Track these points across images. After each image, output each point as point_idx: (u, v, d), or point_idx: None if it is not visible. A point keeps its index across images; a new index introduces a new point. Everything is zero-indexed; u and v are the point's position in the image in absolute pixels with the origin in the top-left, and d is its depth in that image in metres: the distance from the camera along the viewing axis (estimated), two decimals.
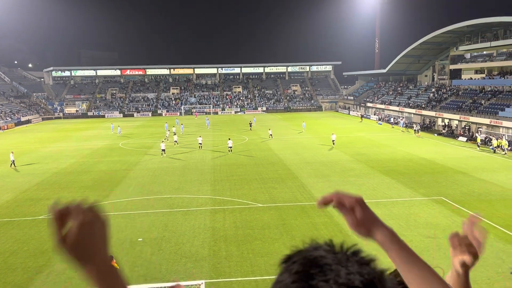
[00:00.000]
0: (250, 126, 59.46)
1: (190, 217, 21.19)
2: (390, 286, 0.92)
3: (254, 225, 19.97)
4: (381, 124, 66.11)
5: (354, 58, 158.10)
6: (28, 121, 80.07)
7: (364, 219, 1.23)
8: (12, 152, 35.66)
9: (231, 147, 39.68)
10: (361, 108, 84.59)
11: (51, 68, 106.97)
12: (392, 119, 66.66)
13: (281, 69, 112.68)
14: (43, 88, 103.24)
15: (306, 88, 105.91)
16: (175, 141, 44.76)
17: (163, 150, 38.52)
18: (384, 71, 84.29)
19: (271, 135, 49.12)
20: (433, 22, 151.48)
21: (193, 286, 11.80)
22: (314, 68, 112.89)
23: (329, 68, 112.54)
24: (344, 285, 0.87)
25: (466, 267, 1.45)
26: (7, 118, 75.18)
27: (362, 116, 75.00)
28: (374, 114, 76.37)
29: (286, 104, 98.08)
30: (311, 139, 48.01)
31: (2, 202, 24.59)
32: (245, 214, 21.60)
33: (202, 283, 10.65)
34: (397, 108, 70.15)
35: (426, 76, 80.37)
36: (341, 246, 0.99)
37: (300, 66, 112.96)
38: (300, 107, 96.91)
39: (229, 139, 41.25)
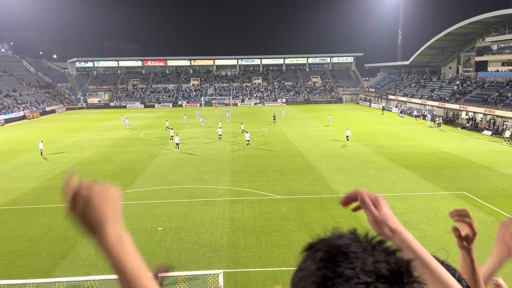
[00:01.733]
0: (274, 119, 57.91)
1: (209, 208, 21.39)
2: (416, 275, 0.90)
3: (272, 216, 20.04)
4: (402, 117, 65.06)
5: (376, 49, 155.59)
6: (53, 111, 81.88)
7: (384, 218, 1.25)
8: (42, 141, 36.71)
9: (248, 140, 38.87)
10: (383, 100, 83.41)
11: (75, 59, 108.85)
12: (415, 112, 65.49)
13: (302, 60, 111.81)
14: (67, 78, 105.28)
15: (327, 80, 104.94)
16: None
17: (177, 144, 37.24)
18: (407, 63, 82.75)
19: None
20: (458, 12, 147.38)
21: (211, 275, 11.95)
22: (335, 60, 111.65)
23: (350, 59, 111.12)
24: (371, 272, 0.86)
25: (467, 242, 1.59)
26: (33, 107, 77.05)
27: (383, 109, 73.97)
28: (396, 107, 75.19)
29: (306, 96, 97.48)
30: (330, 132, 47.68)
31: (28, 190, 25.32)
32: (263, 205, 21.68)
33: (220, 272, 10.77)
34: (419, 101, 68.88)
35: (450, 68, 78.53)
36: (365, 235, 0.98)
37: (321, 58, 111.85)
38: (320, 99, 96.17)
39: (246, 132, 40.82)
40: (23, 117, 70.15)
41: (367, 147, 37.47)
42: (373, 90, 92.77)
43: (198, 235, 17.85)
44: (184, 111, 74.47)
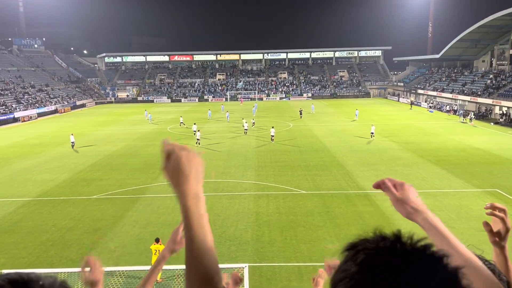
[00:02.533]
0: (301, 114, 56.55)
1: (235, 202, 21.54)
2: (465, 284, 0.85)
3: (297, 211, 20.01)
4: (432, 112, 63.49)
5: (405, 42, 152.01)
6: (83, 105, 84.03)
7: (405, 198, 1.29)
8: (72, 134, 37.77)
9: (273, 135, 38.34)
10: (412, 95, 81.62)
11: (104, 54, 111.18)
12: (447, 106, 63.78)
13: (328, 54, 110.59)
14: (96, 73, 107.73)
15: (354, 74, 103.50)
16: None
17: (198, 139, 37.36)
18: (437, 56, 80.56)
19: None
20: (492, 4, 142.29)
21: (236, 269, 12.05)
22: (362, 53, 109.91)
23: (378, 53, 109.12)
24: (414, 281, 0.81)
25: (499, 238, 1.61)
26: (64, 102, 79.29)
27: (412, 103, 72.40)
28: (425, 102, 73.45)
29: (332, 90, 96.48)
30: (357, 127, 47.07)
31: (59, 182, 26.13)
32: (288, 200, 21.66)
33: (245, 266, 10.84)
34: (450, 95, 67.05)
35: (483, 61, 75.99)
36: (410, 237, 0.91)
37: (348, 51, 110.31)
38: (347, 94, 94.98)
39: (272, 127, 40.26)
40: (55, 111, 72.29)
41: (395, 142, 36.81)
42: (402, 84, 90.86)
43: (223, 228, 18.02)
44: (209, 105, 75.00)
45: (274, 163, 30.20)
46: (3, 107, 63.70)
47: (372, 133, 38.93)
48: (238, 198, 22.09)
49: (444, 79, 77.03)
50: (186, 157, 1.35)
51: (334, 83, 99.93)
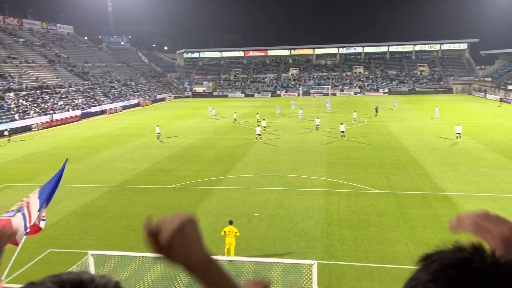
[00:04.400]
0: (376, 111, 53.41)
1: (305, 197, 21.40)
2: None
3: (370, 211, 19.38)
4: None
5: (495, 34, 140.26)
6: (163, 99, 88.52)
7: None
8: (158, 126, 40.55)
9: (343, 132, 37.21)
10: (501, 91, 75.14)
11: (183, 50, 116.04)
12: None
13: (407, 48, 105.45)
14: (175, 68, 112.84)
15: (435, 69, 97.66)
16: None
17: (258, 134, 37.11)
18: None
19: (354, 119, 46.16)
20: None
21: (305, 265, 11.98)
22: (445, 47, 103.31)
23: (463, 46, 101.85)
24: None
25: None
26: (146, 96, 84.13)
27: (501, 100, 66.67)
28: None
29: (411, 86, 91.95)
30: (438, 124, 44.42)
31: (140, 171, 27.80)
32: (360, 199, 21.06)
33: (314, 263, 10.73)
34: None
35: None
36: (493, 252, 0.84)
37: (429, 45, 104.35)
38: (427, 89, 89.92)
39: (341, 123, 38.82)
40: (137, 104, 76.97)
41: (480, 142, 34.16)
42: (490, 79, 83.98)
43: (292, 224, 18.00)
44: (280, 101, 75.12)
45: (346, 160, 29.51)
46: (93, 100, 69.11)
47: (459, 133, 34.92)
48: (308, 194, 21.91)
49: None
50: (178, 230, 1.15)
51: (413, 78, 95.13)
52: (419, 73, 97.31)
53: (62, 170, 7.44)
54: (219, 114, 57.92)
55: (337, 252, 15.31)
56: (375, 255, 14.94)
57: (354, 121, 47.30)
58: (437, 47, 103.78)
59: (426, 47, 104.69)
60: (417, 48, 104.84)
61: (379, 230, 17.12)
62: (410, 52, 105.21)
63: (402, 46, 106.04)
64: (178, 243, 1.12)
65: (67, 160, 7.42)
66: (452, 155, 29.97)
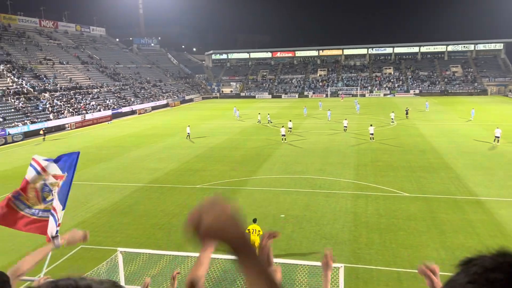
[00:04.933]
0: (407, 113, 51.35)
1: (332, 200, 21.18)
2: None
3: (398, 214, 19.00)
4: None
5: None
6: (191, 100, 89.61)
7: None
8: (189, 126, 41.30)
9: (372, 134, 36.54)
10: None
11: (211, 52, 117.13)
12: None
13: (440, 48, 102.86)
14: (203, 70, 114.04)
15: (469, 69, 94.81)
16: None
17: (283, 135, 37.21)
18: None
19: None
20: None
21: (332, 268, 11.84)
22: (480, 47, 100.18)
23: (499, 46, 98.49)
24: None
25: None
26: (174, 96, 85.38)
27: None
28: None
29: (443, 87, 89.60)
30: (473, 127, 43.09)
31: (168, 170, 28.22)
32: (389, 202, 20.67)
33: (341, 266, 10.58)
34: None
35: None
36: None
37: (462, 45, 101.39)
38: (460, 91, 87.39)
39: (371, 125, 38.13)
40: (166, 105, 78.22)
41: None
42: None
43: (319, 226, 17.84)
44: (307, 102, 74.67)
45: (375, 162, 29.03)
46: (123, 100, 70.69)
47: (498, 137, 33.38)
48: (335, 197, 21.68)
49: None
50: (217, 214, 1.21)
51: (446, 79, 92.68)
52: (451, 74, 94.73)
53: (74, 165, 7.02)
54: (244, 115, 58.12)
55: (365, 255, 15.07)
56: (404, 260, 14.63)
57: (393, 121, 46.80)
58: (471, 47, 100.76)
59: (459, 48, 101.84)
60: (450, 48, 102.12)
61: (408, 234, 16.75)
62: (443, 52, 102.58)
63: (434, 47, 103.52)
64: (220, 223, 1.20)
65: (78, 153, 7.18)
66: (486, 158, 29.01)
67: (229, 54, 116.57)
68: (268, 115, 52.36)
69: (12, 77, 58.84)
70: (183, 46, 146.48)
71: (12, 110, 50.75)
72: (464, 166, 27.11)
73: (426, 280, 2.01)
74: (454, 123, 46.69)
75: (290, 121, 43.83)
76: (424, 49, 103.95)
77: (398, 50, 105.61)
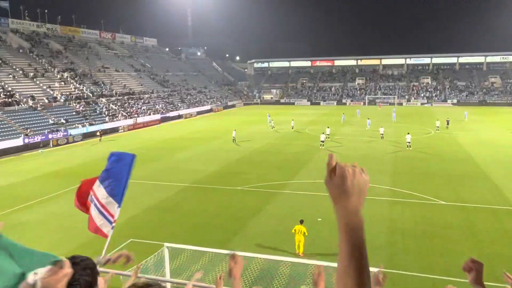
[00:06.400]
0: (447, 124, 48.69)
1: (368, 205, 20.60)
2: None
3: (435, 222, 18.25)
4: None
5: None
6: (233, 106, 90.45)
7: None
8: (235, 130, 41.66)
9: (409, 142, 35.41)
10: None
11: (253, 60, 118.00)
12: None
13: (478, 59, 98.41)
14: (246, 77, 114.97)
15: (508, 80, 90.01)
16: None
17: (322, 141, 36.89)
18: None
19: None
20: None
21: None
22: None
23: None
24: None
25: None
26: (218, 102, 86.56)
27: None
28: None
29: (481, 97, 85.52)
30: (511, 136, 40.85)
31: (210, 172, 28.56)
32: (425, 210, 19.90)
33: (377, 271, 10.30)
34: None
35: None
36: None
37: (502, 56, 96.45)
38: (498, 101, 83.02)
39: (408, 133, 36.78)
40: (210, 110, 79.38)
41: None
42: None
43: None
44: (345, 109, 73.45)
45: (411, 170, 28.07)
46: (171, 105, 72.45)
47: None
48: (372, 202, 21.10)
49: None
50: (351, 174, 1.35)
51: (484, 90, 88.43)
52: (490, 84, 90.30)
53: (129, 166, 6.71)
54: (280, 123, 57.54)
55: (401, 261, 14.57)
56: (439, 267, 14.02)
57: (438, 129, 45.88)
58: (510, 58, 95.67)
59: (498, 58, 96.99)
60: (489, 59, 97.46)
61: (444, 242, 16.05)
62: (481, 63, 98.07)
63: (472, 57, 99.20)
64: (349, 182, 1.35)
65: (134, 156, 6.98)
66: None
67: (270, 63, 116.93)
68: (268, 115, 51.69)
69: (75, 84, 61.80)
70: (227, 55, 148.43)
71: (74, 113, 53.21)
72: (502, 176, 25.70)
73: (469, 276, 2.11)
74: (494, 133, 44.42)
75: (328, 127, 43.24)
76: (462, 59, 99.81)
77: (436, 60, 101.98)
